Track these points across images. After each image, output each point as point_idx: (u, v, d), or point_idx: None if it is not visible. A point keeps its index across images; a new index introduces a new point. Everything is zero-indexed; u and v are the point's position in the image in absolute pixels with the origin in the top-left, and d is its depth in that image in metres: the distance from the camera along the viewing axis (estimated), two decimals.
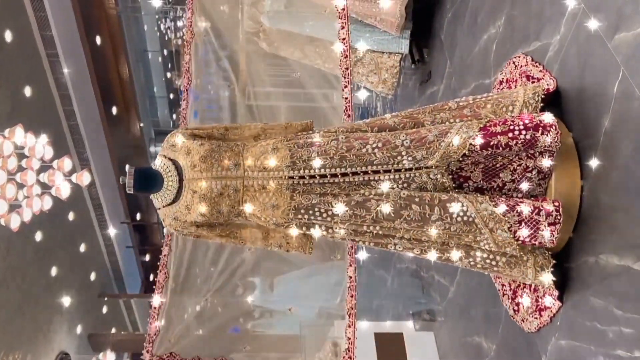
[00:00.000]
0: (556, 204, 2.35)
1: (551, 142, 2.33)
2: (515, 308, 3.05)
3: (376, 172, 2.42)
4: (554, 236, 2.34)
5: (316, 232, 2.50)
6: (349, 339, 2.79)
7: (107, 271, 10.76)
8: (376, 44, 4.84)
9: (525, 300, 2.92)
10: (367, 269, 7.57)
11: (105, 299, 10.70)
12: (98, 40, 8.80)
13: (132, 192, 2.52)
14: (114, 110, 9.59)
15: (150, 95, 13.75)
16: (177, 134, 2.54)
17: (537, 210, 2.33)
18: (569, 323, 2.58)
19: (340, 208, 2.37)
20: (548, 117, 2.35)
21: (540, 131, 2.33)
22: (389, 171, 2.41)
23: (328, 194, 2.44)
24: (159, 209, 2.55)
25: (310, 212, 2.44)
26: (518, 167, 2.44)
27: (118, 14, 9.67)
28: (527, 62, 3.00)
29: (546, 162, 2.40)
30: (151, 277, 13.34)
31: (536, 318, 2.83)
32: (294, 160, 2.44)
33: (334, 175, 2.45)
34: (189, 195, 2.46)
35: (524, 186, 2.47)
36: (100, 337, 10.19)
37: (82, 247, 9.37)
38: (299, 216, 2.45)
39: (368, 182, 2.44)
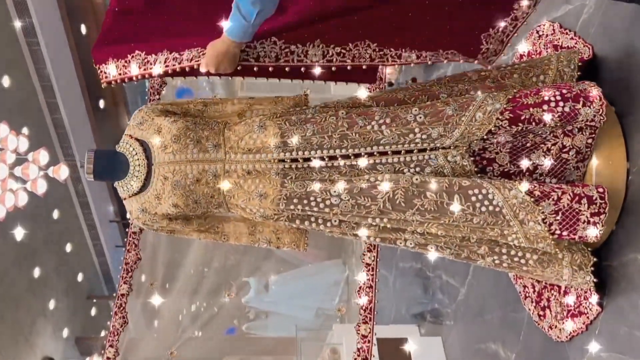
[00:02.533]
0: (600, 190, 1.96)
1: (595, 116, 1.94)
2: (541, 313, 2.66)
3: (383, 153, 2.03)
4: (598, 229, 1.94)
5: (312, 226, 2.11)
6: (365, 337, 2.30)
7: (96, 272, 10.34)
8: None
9: (554, 305, 2.54)
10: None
11: (94, 300, 10.29)
12: (83, 29, 8.38)
13: (91, 178, 2.12)
14: (101, 103, 9.17)
15: (142, 90, 13.35)
16: (145, 109, 2.14)
17: (577, 198, 1.94)
18: (610, 332, 2.19)
19: (340, 185, 1.98)
20: (590, 86, 1.96)
21: (581, 102, 1.94)
22: (399, 152, 2.02)
23: (326, 180, 2.05)
24: (124, 199, 2.15)
25: (305, 201, 2.04)
26: (553, 147, 2.04)
27: (104, 2, 9.24)
28: (554, 29, 2.61)
29: (587, 141, 2.01)
30: (142, 278, 12.98)
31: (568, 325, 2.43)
32: (285, 140, 2.04)
33: (333, 158, 2.05)
34: (160, 182, 2.06)
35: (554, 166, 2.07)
36: (89, 341, 9.77)
37: (68, 247, 8.94)
38: (291, 207, 2.05)
39: (374, 166, 2.04)
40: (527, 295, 2.79)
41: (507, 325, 3.14)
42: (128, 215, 2.21)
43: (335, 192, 2.01)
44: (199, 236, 2.25)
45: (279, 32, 1.90)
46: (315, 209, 2.04)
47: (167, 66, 1.95)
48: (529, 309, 2.75)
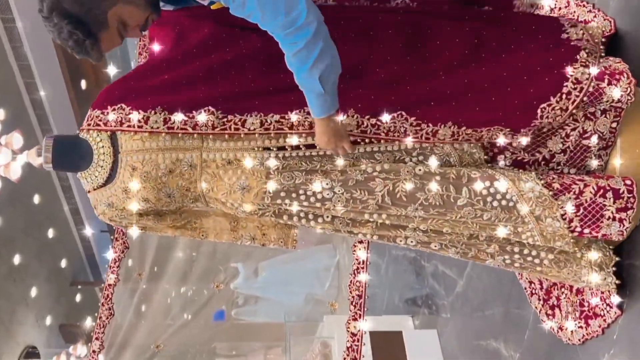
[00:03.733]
0: (628, 182, 1.74)
1: (622, 96, 1.71)
2: (550, 312, 2.45)
3: (379, 138, 1.78)
4: (624, 226, 1.72)
5: (301, 222, 1.87)
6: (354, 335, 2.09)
7: (81, 257, 10.08)
8: None
9: (564, 304, 2.33)
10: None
11: (79, 287, 10.05)
12: None
13: (50, 169, 1.86)
14: (83, 84, 8.82)
15: (127, 70, 12.93)
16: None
17: (602, 191, 1.72)
18: (631, 338, 1.98)
19: (339, 162, 1.78)
20: (616, 63, 1.72)
21: (606, 80, 1.70)
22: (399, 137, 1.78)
23: (317, 170, 1.80)
24: (89, 192, 1.89)
25: (294, 195, 1.80)
26: (572, 132, 1.81)
27: None
28: (568, 2, 2.36)
29: (611, 125, 1.78)
30: (129, 263, 12.73)
31: (581, 327, 2.23)
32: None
33: None
34: (127, 173, 1.81)
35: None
36: (74, 328, 9.55)
37: (51, 233, 8.66)
38: (278, 201, 1.81)
39: (371, 155, 1.80)
40: (533, 292, 2.59)
41: (510, 322, 2.94)
42: (95, 213, 1.96)
43: (327, 184, 1.77)
44: (174, 233, 2.01)
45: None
46: (305, 203, 1.80)
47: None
48: (536, 307, 2.55)
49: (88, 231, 9.77)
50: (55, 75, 7.99)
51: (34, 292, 8.05)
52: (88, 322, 10.06)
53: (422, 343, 4.07)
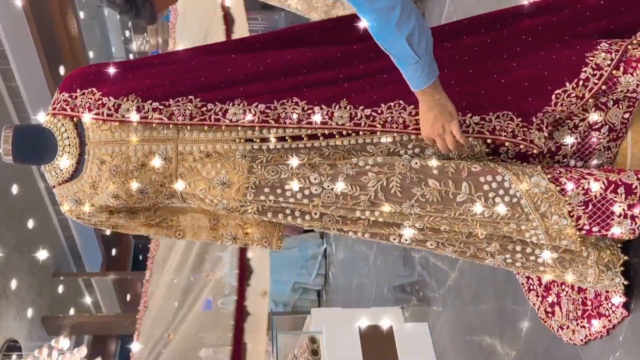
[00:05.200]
0: None
1: (638, 86, 1.57)
2: (549, 310, 2.33)
3: (374, 130, 1.63)
4: (636, 224, 1.59)
5: (286, 220, 1.73)
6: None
7: (63, 248, 9.89)
8: None
9: (565, 302, 2.21)
10: (345, 243, 6.86)
11: (61, 278, 9.86)
12: None
13: (10, 161, 1.69)
14: (62, 70, 8.57)
15: (108, 56, 12.66)
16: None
17: (612, 186, 1.58)
18: (638, 340, 1.87)
19: (322, 171, 1.61)
20: (632, 47, 1.58)
21: (621, 68, 1.57)
22: (393, 130, 1.63)
23: (304, 164, 1.65)
24: (54, 187, 1.73)
25: (279, 191, 1.65)
26: (581, 123, 1.67)
27: None
28: None
29: (623, 116, 1.65)
30: (113, 252, 12.50)
31: (584, 327, 2.11)
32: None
33: (313, 137, 1.65)
34: (95, 167, 1.65)
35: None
36: (57, 320, 9.38)
37: (31, 223, 8.46)
38: (262, 197, 1.65)
39: (363, 147, 1.65)
40: (531, 287, 2.47)
41: (505, 318, 2.82)
42: (62, 210, 1.79)
43: (315, 179, 1.62)
44: (148, 232, 1.84)
45: (299, 90, 1.63)
46: (291, 199, 1.65)
47: None
48: (534, 304, 2.43)
49: (70, 221, 9.56)
50: (32, 62, 7.74)
51: (14, 284, 7.87)
52: (71, 314, 9.88)
53: (413, 337, 3.96)
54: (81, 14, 10.00)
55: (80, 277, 10.41)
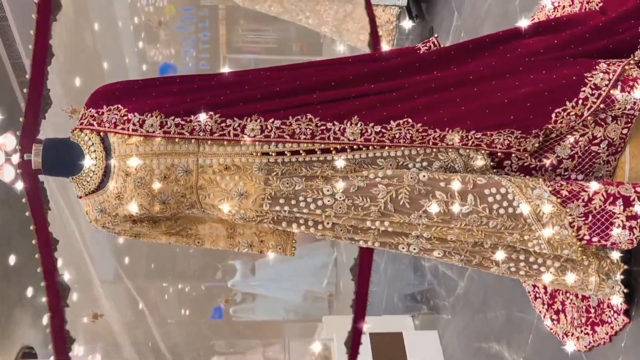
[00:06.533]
0: (639, 189, 1.68)
1: (635, 103, 1.65)
2: (554, 317, 2.40)
3: (383, 145, 1.73)
4: (634, 235, 1.67)
5: (300, 229, 1.82)
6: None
7: None
8: None
9: (570, 310, 2.28)
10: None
11: (76, 285, 9.99)
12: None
13: (40, 173, 1.80)
14: (77, 81, 8.75)
15: (122, 67, 12.84)
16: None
17: (611, 198, 1.66)
18: (639, 347, 1.94)
19: (335, 184, 1.69)
20: (629, 67, 1.66)
21: (619, 87, 1.65)
22: (401, 144, 1.72)
23: (317, 176, 1.74)
24: (80, 198, 1.83)
25: (293, 202, 1.74)
26: (581, 138, 1.76)
27: None
28: (572, 0, 2.30)
29: (621, 131, 1.72)
30: (126, 260, 12.65)
31: (587, 334, 2.18)
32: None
33: (326, 151, 1.75)
34: (121, 179, 1.75)
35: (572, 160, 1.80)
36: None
37: None
38: (277, 207, 1.75)
39: (374, 160, 1.74)
40: (537, 295, 2.54)
41: (513, 325, 2.89)
42: (88, 219, 1.90)
43: (328, 191, 1.72)
44: (169, 240, 1.94)
45: (313, 108, 1.71)
46: (305, 210, 1.74)
47: None
48: (540, 312, 2.50)
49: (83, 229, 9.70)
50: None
51: (30, 292, 7.98)
52: (85, 321, 10.02)
53: (422, 344, 4.03)
54: (95, 26, 10.20)
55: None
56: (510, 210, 1.66)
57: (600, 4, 2.09)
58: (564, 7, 2.33)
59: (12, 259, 7.56)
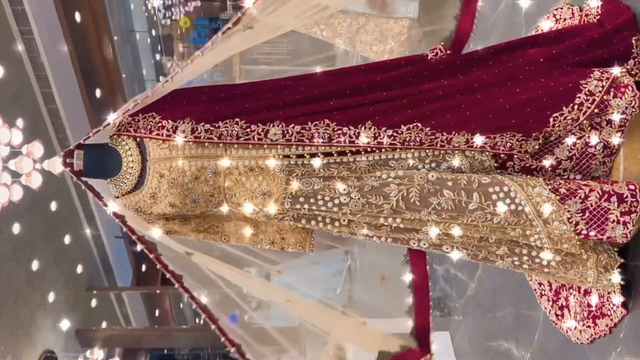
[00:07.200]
0: (632, 187, 1.82)
1: (626, 108, 1.79)
2: (559, 313, 2.52)
3: (394, 148, 1.88)
4: (628, 229, 1.80)
5: (318, 226, 1.97)
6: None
7: (96, 263, 10.22)
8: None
9: (573, 305, 2.40)
10: (370, 258, 7.05)
11: (94, 292, 10.19)
12: (77, 17, 8.19)
13: (81, 176, 1.97)
14: (98, 92, 9.00)
15: (139, 79, 13.15)
16: None
17: (606, 195, 1.80)
18: (637, 336, 2.06)
19: (350, 183, 1.84)
20: (622, 76, 1.81)
21: (612, 93, 1.79)
22: (411, 147, 1.87)
23: (334, 177, 1.90)
24: (117, 197, 2.00)
25: (312, 200, 1.90)
26: (578, 141, 1.90)
27: None
28: (573, 13, 2.45)
29: (616, 135, 1.86)
30: (143, 268, 12.85)
31: (589, 327, 2.30)
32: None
33: (342, 154, 1.90)
34: (155, 180, 1.92)
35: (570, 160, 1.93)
36: (90, 333, 9.68)
37: (67, 239, 8.81)
38: (297, 206, 1.91)
39: (386, 162, 1.90)
40: (542, 293, 2.66)
41: (520, 323, 3.01)
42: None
43: (344, 190, 1.87)
44: (198, 237, 2.10)
45: (330, 114, 1.87)
46: (323, 208, 1.90)
47: None
48: (545, 308, 2.62)
49: (103, 237, 9.93)
50: (71, 85, 8.17)
51: (51, 297, 8.19)
52: (104, 327, 10.20)
53: (435, 345, 4.13)
54: (114, 38, 10.48)
55: (112, 291, 10.73)
56: (513, 207, 1.81)
57: (598, 17, 2.24)
58: (564, 19, 2.48)
59: (34, 265, 7.80)
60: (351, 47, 4.52)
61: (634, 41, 1.96)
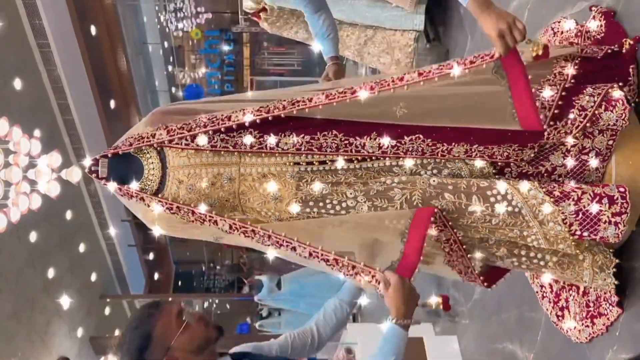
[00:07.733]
0: (622, 189, 1.92)
1: (617, 120, 1.91)
2: (559, 313, 2.62)
3: (398, 156, 2.00)
4: (619, 229, 1.91)
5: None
6: None
7: (109, 271, 10.39)
8: (388, 20, 4.40)
9: (572, 306, 2.50)
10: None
11: (108, 300, 10.35)
12: (93, 30, 8.41)
13: (105, 184, 2.11)
14: (112, 104, 9.21)
15: (152, 90, 13.40)
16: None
17: (598, 197, 1.91)
18: (632, 334, 2.16)
19: (356, 188, 1.97)
20: (612, 89, 1.92)
21: (603, 107, 1.91)
22: (413, 156, 2.00)
23: (342, 182, 2.03)
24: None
25: (321, 204, 2.02)
26: (572, 148, 2.01)
27: (114, 3, 9.26)
28: (570, 27, 2.57)
29: (607, 142, 1.98)
30: (156, 276, 13.01)
31: (587, 326, 2.40)
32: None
33: (349, 161, 2.03)
34: (174, 186, 2.05)
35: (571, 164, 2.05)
36: (103, 340, 9.81)
37: (82, 247, 8.99)
38: (307, 209, 2.03)
39: (390, 168, 2.02)
40: (544, 295, 2.76)
41: (524, 325, 3.11)
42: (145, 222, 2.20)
43: (351, 194, 2.00)
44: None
45: (338, 126, 1.99)
46: (332, 211, 2.02)
47: None
48: (547, 309, 2.72)
49: (116, 246, 10.10)
50: (86, 96, 8.38)
51: (67, 304, 8.36)
52: (117, 334, 10.34)
53: (442, 348, 4.23)
54: (128, 50, 10.72)
55: (125, 299, 10.88)
56: (510, 208, 1.92)
57: (602, 34, 2.36)
58: (562, 32, 2.60)
59: (50, 272, 7.97)
60: (359, 59, 4.65)
61: (630, 70, 2.08)
